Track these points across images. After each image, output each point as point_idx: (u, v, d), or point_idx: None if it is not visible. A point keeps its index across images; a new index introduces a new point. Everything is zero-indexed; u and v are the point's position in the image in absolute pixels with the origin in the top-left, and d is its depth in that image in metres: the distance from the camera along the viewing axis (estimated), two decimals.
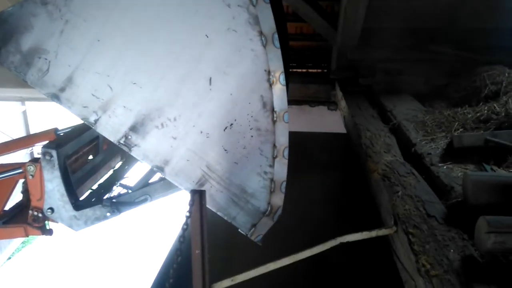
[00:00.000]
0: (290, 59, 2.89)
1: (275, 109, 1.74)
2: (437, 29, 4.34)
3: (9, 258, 9.08)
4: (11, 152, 3.73)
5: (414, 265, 1.66)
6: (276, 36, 1.67)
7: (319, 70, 5.61)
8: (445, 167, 2.35)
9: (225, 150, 1.79)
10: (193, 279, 1.75)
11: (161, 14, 1.73)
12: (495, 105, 2.82)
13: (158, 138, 1.81)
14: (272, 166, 1.79)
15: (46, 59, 1.84)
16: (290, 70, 5.61)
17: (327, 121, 5.24)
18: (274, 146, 1.77)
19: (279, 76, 1.70)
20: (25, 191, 2.31)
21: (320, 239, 1.97)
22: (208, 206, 1.80)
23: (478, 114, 2.80)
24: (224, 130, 1.77)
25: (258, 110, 1.74)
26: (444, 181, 2.19)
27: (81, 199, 2.29)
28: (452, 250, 1.66)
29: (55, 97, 1.86)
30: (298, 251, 1.93)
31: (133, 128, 1.83)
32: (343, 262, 2.62)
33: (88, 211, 2.18)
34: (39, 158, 2.12)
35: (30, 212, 2.33)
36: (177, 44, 1.73)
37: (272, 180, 1.80)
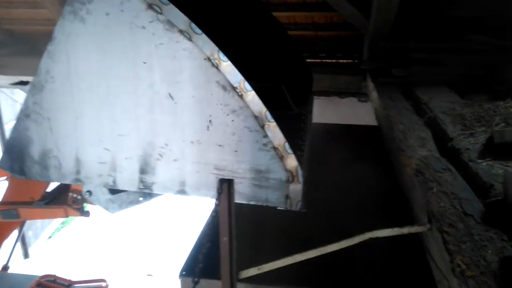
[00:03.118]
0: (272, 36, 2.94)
1: (234, 85, 1.79)
2: (477, 18, 4.17)
3: (50, 237, 9.67)
4: None
5: (448, 265, 1.59)
6: (193, 25, 1.76)
7: (349, 61, 5.51)
8: (484, 163, 2.24)
9: (220, 145, 1.86)
10: (221, 265, 1.78)
11: (108, 74, 1.92)
12: None
13: (164, 168, 1.95)
14: (266, 135, 1.81)
15: (54, 156, 2.10)
16: (320, 60, 5.54)
17: (357, 113, 5.16)
18: (255, 116, 1.80)
19: (218, 55, 1.77)
20: None
21: (348, 233, 1.93)
22: (237, 201, 1.84)
23: None
24: (208, 129, 1.85)
25: (223, 95, 1.80)
26: (483, 178, 2.09)
27: None
28: (490, 251, 1.58)
29: (77, 181, 2.11)
30: (326, 244, 1.90)
31: (143, 171, 2.00)
32: (372, 258, 2.57)
33: (123, 195, 2.36)
34: None
35: (70, 194, 2.42)
36: (129, 85, 1.90)
37: (274, 147, 1.82)
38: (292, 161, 1.82)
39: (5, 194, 4.30)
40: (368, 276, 2.58)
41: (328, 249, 1.91)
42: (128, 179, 2.03)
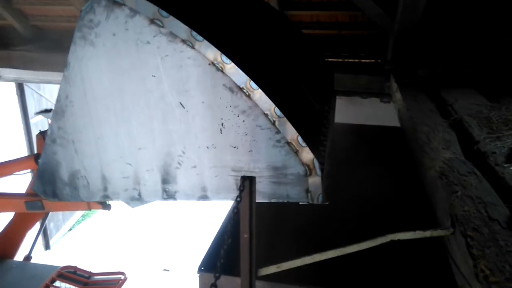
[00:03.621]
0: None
1: (240, 86, 1.83)
2: (507, 17, 4.07)
3: (70, 229, 9.83)
4: None
5: (472, 270, 1.56)
6: (194, 33, 1.82)
7: (372, 60, 5.43)
8: (511, 167, 2.20)
9: (235, 147, 1.89)
10: (241, 262, 1.79)
11: (121, 92, 2.00)
12: None
13: (185, 175, 2.01)
14: (278, 131, 1.82)
15: (82, 176, 2.20)
16: (342, 60, 5.49)
17: (380, 113, 5.08)
18: (265, 114, 1.82)
19: (221, 59, 1.82)
20: None
21: (368, 234, 1.90)
22: (258, 200, 1.85)
23: None
24: (221, 132, 1.89)
25: (231, 97, 1.85)
26: (509, 182, 2.05)
27: None
28: None
29: (105, 197, 2.21)
30: (346, 245, 1.88)
31: (164, 181, 2.06)
32: (393, 260, 2.54)
33: None
34: None
35: None
36: (141, 99, 1.97)
37: (288, 143, 1.83)
38: (307, 154, 1.83)
39: (30, 186, 4.40)
40: (388, 279, 2.55)
41: (348, 249, 1.89)
42: (152, 191, 2.10)
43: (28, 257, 5.06)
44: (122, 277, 4.72)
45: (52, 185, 2.27)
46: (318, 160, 1.91)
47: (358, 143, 4.03)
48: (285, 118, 1.81)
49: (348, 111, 5.15)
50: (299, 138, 1.81)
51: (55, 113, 2.13)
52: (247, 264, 1.78)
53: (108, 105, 2.03)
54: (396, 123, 3.95)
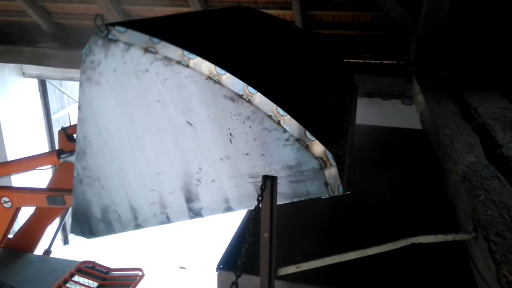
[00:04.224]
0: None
1: (239, 94, 1.85)
2: None
3: None
4: (12, 174, 4.05)
5: (494, 275, 1.54)
6: (185, 52, 1.87)
7: (394, 62, 5.38)
8: None
9: (247, 154, 1.90)
10: (260, 261, 1.79)
11: (131, 123, 2.07)
12: None
13: (206, 191, 2.03)
14: (285, 130, 1.82)
15: (112, 210, 2.26)
16: (363, 61, 5.45)
17: (400, 116, 5.03)
18: (269, 116, 1.83)
19: (216, 71, 1.85)
20: None
21: (388, 237, 1.89)
22: (279, 203, 1.85)
23: None
24: (231, 142, 1.91)
25: (233, 106, 1.87)
26: None
27: None
28: None
29: (138, 226, 2.26)
30: (366, 247, 1.87)
31: (189, 200, 2.09)
32: (413, 264, 2.52)
33: None
34: None
35: None
36: (151, 126, 2.02)
37: (296, 139, 1.83)
38: (318, 147, 1.82)
39: (52, 181, 4.47)
40: (408, 282, 2.53)
41: (369, 251, 1.87)
42: (178, 212, 2.13)
43: (47, 251, 5.13)
44: (140, 273, 4.75)
45: (88, 223, 2.34)
46: (338, 153, 1.91)
47: (378, 145, 4.00)
48: (288, 116, 1.81)
49: (368, 113, 5.11)
50: (307, 133, 1.81)
51: (77, 154, 2.21)
52: (267, 264, 1.78)
53: (123, 137, 2.10)
54: (417, 126, 3.92)
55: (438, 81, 4.04)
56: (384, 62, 5.41)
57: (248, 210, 1.98)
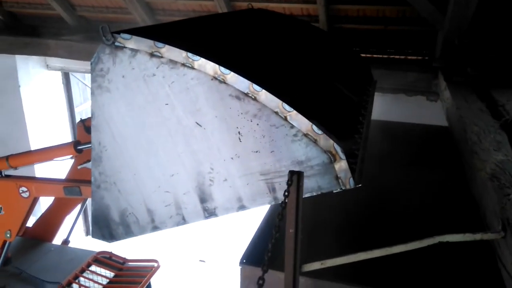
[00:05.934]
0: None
1: (245, 92, 1.87)
2: None
3: None
4: (29, 165, 4.12)
5: None
6: (189, 54, 1.90)
7: (419, 57, 5.29)
8: None
9: (256, 151, 1.91)
10: (285, 257, 1.79)
11: (143, 127, 2.11)
12: None
13: (219, 190, 2.06)
14: (292, 126, 1.82)
15: (130, 213, 2.30)
16: (387, 56, 5.38)
17: (425, 112, 4.95)
18: (275, 112, 1.84)
19: (220, 71, 1.87)
20: None
21: (414, 235, 1.87)
22: None
23: None
24: (240, 141, 1.93)
25: (240, 105, 1.89)
26: None
27: None
28: None
29: (155, 228, 2.29)
30: (392, 245, 1.85)
31: (203, 200, 2.11)
32: (440, 263, 2.49)
33: None
34: None
35: None
36: (162, 129, 2.06)
37: (304, 134, 1.82)
38: (326, 141, 1.81)
39: (70, 172, 4.55)
40: (434, 282, 2.50)
41: (394, 249, 1.86)
42: (193, 212, 2.16)
43: (66, 241, 5.21)
44: (155, 264, 4.81)
45: (108, 228, 2.39)
46: (352, 147, 1.92)
47: (403, 142, 3.95)
48: (295, 111, 1.81)
49: (391, 109, 5.04)
50: (314, 127, 1.80)
51: (93, 160, 2.26)
52: (292, 259, 1.77)
53: (135, 141, 2.15)
54: (442, 123, 3.85)
55: (465, 77, 3.96)
56: (409, 57, 5.32)
57: (271, 205, 1.96)
